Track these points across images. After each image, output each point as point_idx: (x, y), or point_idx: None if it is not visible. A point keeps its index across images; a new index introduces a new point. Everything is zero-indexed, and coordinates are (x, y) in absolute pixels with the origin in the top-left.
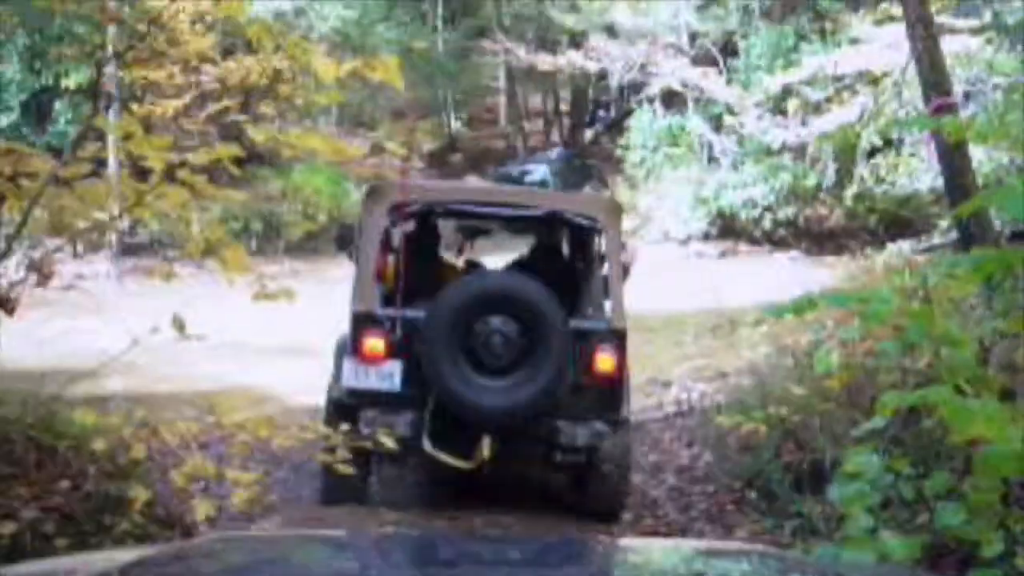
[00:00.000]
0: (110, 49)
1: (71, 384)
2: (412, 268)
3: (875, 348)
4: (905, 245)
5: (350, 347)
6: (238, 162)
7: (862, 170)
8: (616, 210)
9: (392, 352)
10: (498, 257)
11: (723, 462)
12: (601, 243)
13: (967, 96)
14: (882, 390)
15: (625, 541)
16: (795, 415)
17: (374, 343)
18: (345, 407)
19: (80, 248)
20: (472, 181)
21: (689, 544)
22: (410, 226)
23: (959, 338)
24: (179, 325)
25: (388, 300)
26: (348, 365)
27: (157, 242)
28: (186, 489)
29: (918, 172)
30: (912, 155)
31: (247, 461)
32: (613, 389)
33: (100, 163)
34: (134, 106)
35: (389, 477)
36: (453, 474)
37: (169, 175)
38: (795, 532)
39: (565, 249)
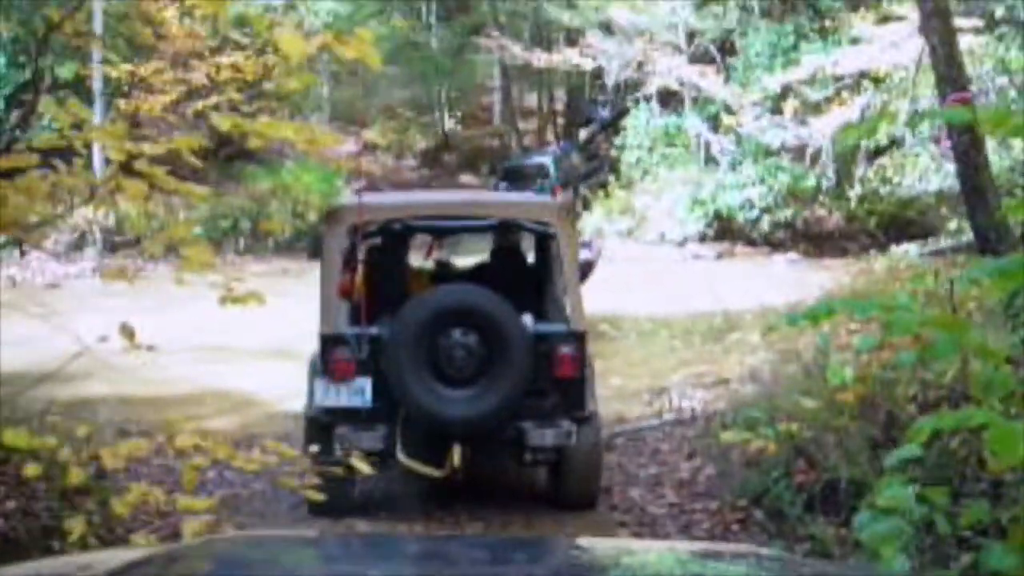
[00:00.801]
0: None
1: (38, 387)
2: (378, 282)
3: (891, 359)
4: (911, 248)
5: (320, 367)
6: (228, 158)
7: (867, 171)
8: (568, 212)
9: (361, 369)
10: (469, 254)
11: (726, 477)
12: (556, 246)
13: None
14: (900, 405)
15: (616, 542)
16: (806, 431)
17: (343, 362)
18: (321, 425)
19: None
20: (465, 180)
21: (684, 545)
22: (372, 242)
23: (992, 351)
24: (128, 333)
25: (355, 317)
26: (320, 385)
27: (144, 239)
28: (129, 518)
29: (927, 172)
30: (917, 155)
31: (221, 472)
32: (576, 388)
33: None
34: (121, 101)
35: (371, 482)
36: (432, 479)
37: (128, 168)
38: (806, 556)
39: (526, 251)
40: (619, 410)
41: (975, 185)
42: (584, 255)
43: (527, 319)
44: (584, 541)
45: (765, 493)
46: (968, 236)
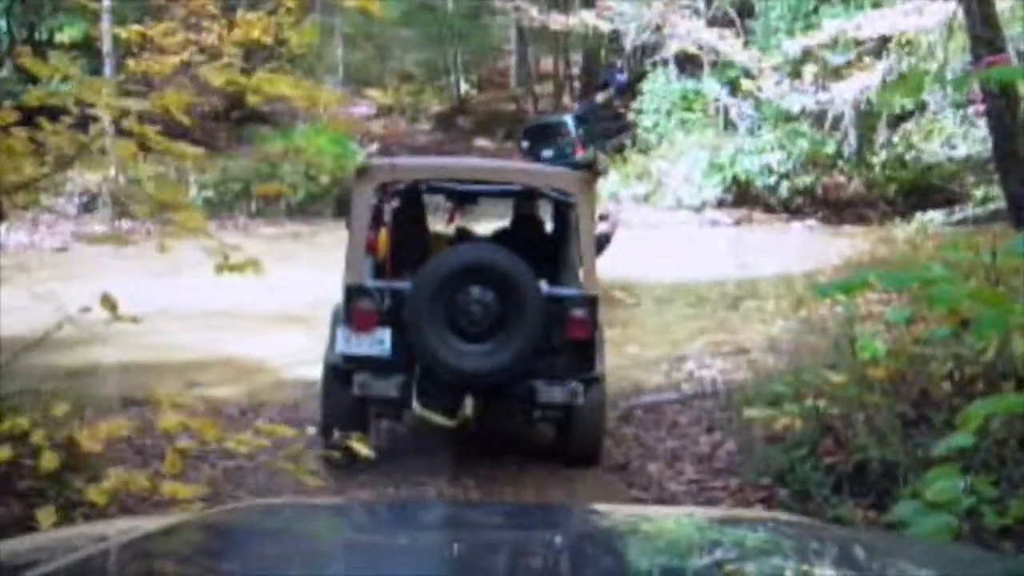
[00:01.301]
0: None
1: (42, 354)
2: (401, 240)
3: (924, 333)
4: (936, 216)
5: (344, 316)
6: (240, 121)
7: (889, 137)
8: (588, 184)
9: (382, 320)
10: (489, 223)
11: (748, 453)
12: (575, 215)
13: None
14: (934, 382)
15: (634, 508)
16: (833, 407)
17: (365, 312)
18: (340, 372)
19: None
20: (480, 145)
21: (704, 512)
22: (398, 202)
23: None
24: (110, 304)
25: (379, 271)
26: (342, 333)
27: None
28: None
29: (953, 139)
30: (941, 120)
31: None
32: (586, 350)
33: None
34: (130, 62)
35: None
36: (445, 431)
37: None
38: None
39: (546, 219)
40: (636, 380)
41: (1009, 151)
42: (602, 227)
43: (543, 283)
44: (602, 508)
45: (790, 471)
46: (996, 205)
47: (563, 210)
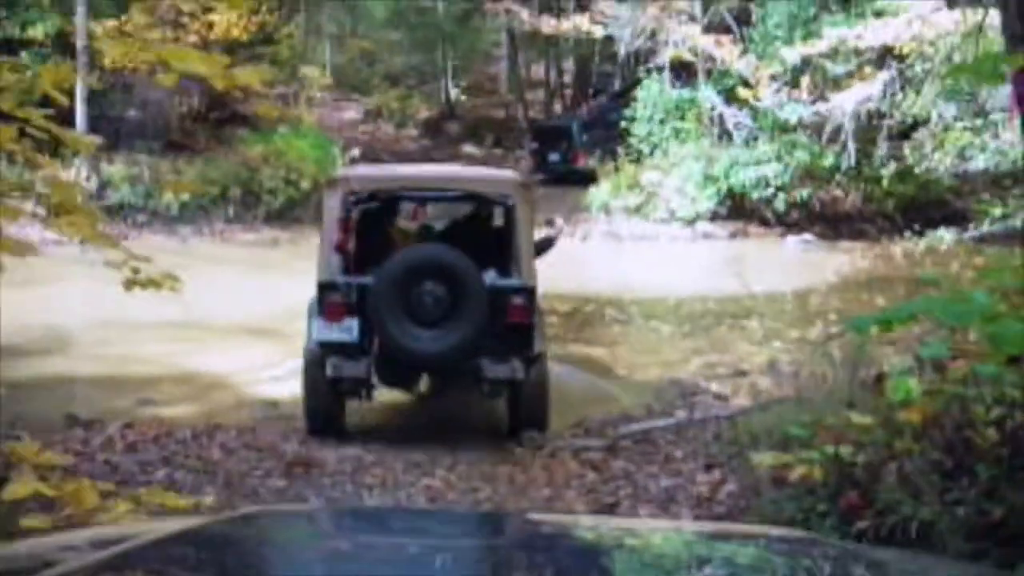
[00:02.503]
0: None
1: None
2: (366, 240)
3: (962, 369)
4: (946, 234)
5: (318, 309)
6: (219, 123)
7: (896, 149)
8: (524, 188)
9: (350, 311)
10: (453, 216)
11: (753, 496)
12: (515, 216)
13: None
14: (979, 430)
15: (622, 521)
16: (858, 453)
17: (336, 304)
18: (317, 357)
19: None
20: (467, 151)
21: (693, 526)
22: (363, 206)
23: None
24: None
25: (347, 268)
26: (317, 323)
27: (128, 205)
28: None
29: (970, 149)
30: (948, 131)
31: (170, 475)
32: (526, 333)
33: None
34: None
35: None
36: (408, 404)
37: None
38: None
39: (495, 217)
40: (625, 406)
41: None
42: (548, 232)
43: (490, 274)
44: (592, 520)
45: (804, 521)
46: (1014, 222)
47: (506, 211)
